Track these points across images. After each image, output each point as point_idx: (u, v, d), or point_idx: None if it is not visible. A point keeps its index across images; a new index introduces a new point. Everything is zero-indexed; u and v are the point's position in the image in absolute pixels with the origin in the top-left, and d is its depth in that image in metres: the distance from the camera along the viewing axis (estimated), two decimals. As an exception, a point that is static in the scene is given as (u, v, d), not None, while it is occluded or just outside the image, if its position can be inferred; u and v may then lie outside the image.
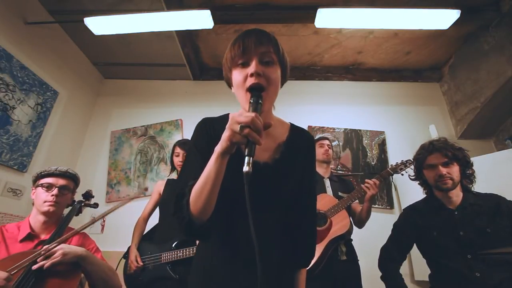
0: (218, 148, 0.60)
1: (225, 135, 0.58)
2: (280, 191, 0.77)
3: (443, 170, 1.33)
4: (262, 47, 0.70)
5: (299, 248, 0.80)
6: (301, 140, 0.83)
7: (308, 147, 0.84)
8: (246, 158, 0.55)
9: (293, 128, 0.85)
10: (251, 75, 0.67)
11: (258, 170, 0.70)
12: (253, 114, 0.56)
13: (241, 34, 0.74)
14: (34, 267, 1.05)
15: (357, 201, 1.83)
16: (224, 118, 0.82)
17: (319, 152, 2.03)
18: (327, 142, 2.08)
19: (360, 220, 1.83)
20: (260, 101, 0.64)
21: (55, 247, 1.10)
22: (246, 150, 0.56)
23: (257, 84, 0.66)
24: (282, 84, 0.78)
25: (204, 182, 0.63)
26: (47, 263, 1.06)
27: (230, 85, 0.80)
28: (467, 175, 1.38)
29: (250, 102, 0.65)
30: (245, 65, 0.70)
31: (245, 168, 0.54)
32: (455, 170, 1.34)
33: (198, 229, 0.66)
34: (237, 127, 0.56)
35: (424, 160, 1.42)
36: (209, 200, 0.63)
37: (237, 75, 0.71)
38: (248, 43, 0.70)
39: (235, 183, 0.62)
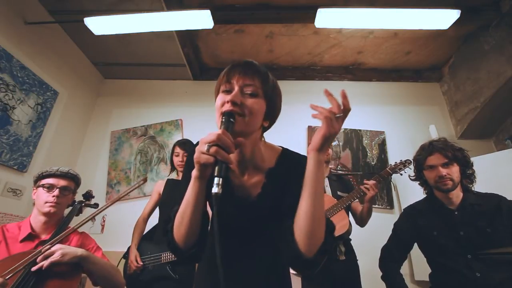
0: (193, 172, 0.59)
1: (194, 157, 0.56)
2: (268, 222, 0.75)
3: (443, 171, 1.33)
4: (246, 78, 0.68)
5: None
6: (289, 165, 0.77)
7: (298, 166, 0.75)
8: (215, 179, 0.52)
9: (283, 154, 0.80)
10: (227, 102, 0.65)
11: (244, 206, 0.73)
12: (219, 131, 0.55)
13: (229, 65, 0.73)
14: (34, 268, 1.05)
15: (357, 200, 1.84)
16: None
17: None
18: None
19: (362, 220, 1.84)
20: (231, 119, 0.62)
21: (53, 245, 1.10)
22: (216, 170, 0.53)
23: (230, 111, 0.64)
24: (270, 121, 0.76)
25: (184, 207, 0.62)
26: (46, 262, 1.07)
27: None
28: (467, 175, 1.38)
29: (221, 121, 0.62)
30: (228, 92, 0.68)
31: (214, 189, 0.51)
32: (455, 171, 1.34)
33: (182, 254, 0.66)
34: (204, 147, 0.54)
35: (424, 161, 1.41)
36: (190, 224, 0.62)
37: (218, 100, 0.69)
38: (233, 73, 0.69)
39: (225, 208, 0.60)
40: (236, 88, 0.67)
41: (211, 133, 0.55)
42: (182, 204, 0.63)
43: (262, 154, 0.77)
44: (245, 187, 0.75)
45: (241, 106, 0.65)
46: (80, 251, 1.17)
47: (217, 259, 0.51)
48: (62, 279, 1.12)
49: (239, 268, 0.72)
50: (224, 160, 0.53)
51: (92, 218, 1.22)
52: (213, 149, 0.53)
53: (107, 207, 1.23)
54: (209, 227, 0.72)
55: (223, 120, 0.62)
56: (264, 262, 0.75)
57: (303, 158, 0.74)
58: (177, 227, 0.64)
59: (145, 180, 1.38)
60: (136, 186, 1.28)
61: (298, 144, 2.92)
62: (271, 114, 0.74)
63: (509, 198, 1.31)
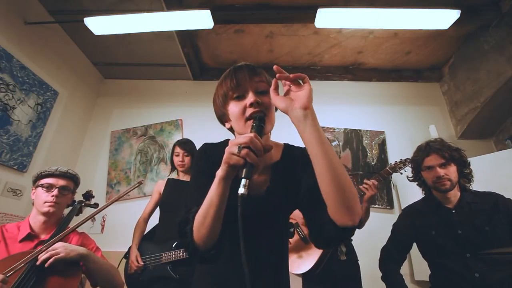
0: (219, 173, 0.60)
1: (223, 158, 0.58)
2: (277, 216, 0.76)
3: (441, 172, 1.33)
4: (255, 77, 0.72)
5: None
6: (294, 157, 0.80)
7: (302, 157, 0.77)
8: (243, 181, 0.54)
9: (286, 148, 0.84)
10: (251, 105, 0.68)
11: (254, 203, 0.69)
12: (252, 134, 0.56)
13: (231, 70, 0.74)
14: (38, 262, 1.06)
15: None
16: (225, 144, 0.80)
17: None
18: None
19: (359, 221, 1.83)
20: (262, 125, 0.64)
21: (54, 243, 1.11)
22: (244, 172, 0.55)
23: (259, 112, 0.67)
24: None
25: (207, 207, 0.62)
26: (51, 259, 1.07)
27: (224, 121, 0.79)
28: (465, 175, 1.39)
29: (252, 126, 0.64)
30: (240, 98, 0.71)
31: (241, 190, 0.53)
32: (452, 171, 1.34)
33: (202, 256, 0.65)
34: (235, 149, 0.55)
35: (422, 162, 1.42)
36: (212, 225, 0.62)
37: (234, 107, 0.71)
38: (241, 76, 0.71)
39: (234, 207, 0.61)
40: (251, 90, 0.70)
41: (243, 136, 0.56)
42: (204, 204, 0.63)
43: (271, 151, 0.78)
44: (255, 184, 0.75)
45: (263, 105, 0.69)
46: (81, 249, 1.18)
47: (243, 262, 0.52)
48: (63, 278, 1.12)
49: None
50: (253, 162, 0.55)
51: (92, 218, 1.22)
52: (244, 151, 0.54)
53: (105, 207, 1.23)
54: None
55: (254, 124, 0.64)
56: (269, 257, 0.75)
57: (306, 151, 0.77)
58: (197, 228, 0.63)
59: (140, 183, 1.38)
60: (132, 188, 1.28)
61: (298, 144, 2.92)
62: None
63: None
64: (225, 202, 0.62)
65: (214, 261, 0.67)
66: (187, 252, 0.67)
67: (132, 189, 1.29)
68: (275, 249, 0.76)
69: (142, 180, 1.49)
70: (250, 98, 0.68)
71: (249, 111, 0.68)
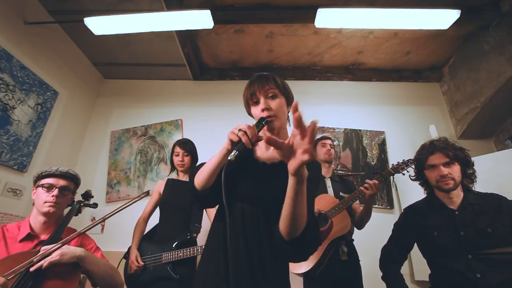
0: (224, 144, 0.83)
1: (227, 134, 0.80)
2: (272, 188, 0.85)
3: (445, 171, 1.32)
4: (265, 86, 0.93)
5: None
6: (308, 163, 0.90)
7: (310, 166, 0.85)
8: (233, 152, 0.75)
9: None
10: (262, 110, 0.91)
11: (258, 166, 0.92)
12: (252, 125, 0.80)
13: (249, 81, 0.98)
14: (32, 268, 1.05)
15: (357, 201, 1.83)
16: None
17: (321, 152, 2.02)
18: (329, 141, 2.05)
19: (360, 221, 1.83)
20: (262, 123, 0.87)
21: (56, 248, 1.10)
22: (237, 146, 0.75)
23: (266, 117, 0.89)
24: (290, 104, 1.00)
25: (207, 164, 0.87)
26: (45, 263, 1.06)
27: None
28: (468, 175, 1.38)
29: (257, 121, 0.88)
30: (257, 103, 0.94)
31: (229, 157, 0.74)
32: (456, 170, 1.33)
33: (196, 195, 0.90)
34: (236, 130, 0.79)
35: (425, 161, 1.41)
36: (208, 176, 0.85)
37: (254, 110, 0.95)
38: (254, 87, 0.94)
39: (241, 183, 0.84)
40: (262, 98, 0.92)
41: (246, 124, 0.79)
42: (208, 161, 0.88)
43: (286, 136, 0.95)
44: (266, 156, 0.94)
45: (271, 110, 0.90)
46: (79, 251, 1.17)
47: (225, 207, 0.74)
48: (61, 280, 1.11)
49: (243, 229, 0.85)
50: (244, 142, 0.76)
51: (92, 218, 1.22)
52: (241, 133, 0.77)
53: (112, 214, 1.23)
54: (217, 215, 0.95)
55: (257, 121, 0.88)
56: (269, 221, 0.84)
57: (317, 164, 0.98)
58: (197, 175, 0.90)
59: (147, 193, 1.41)
60: (139, 198, 1.29)
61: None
62: (290, 101, 1.01)
63: (509, 198, 1.31)
64: (220, 166, 0.83)
65: (206, 201, 0.92)
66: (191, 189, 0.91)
67: (139, 199, 1.30)
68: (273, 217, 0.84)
69: (149, 190, 1.52)
70: (262, 104, 0.91)
71: (261, 114, 0.91)
